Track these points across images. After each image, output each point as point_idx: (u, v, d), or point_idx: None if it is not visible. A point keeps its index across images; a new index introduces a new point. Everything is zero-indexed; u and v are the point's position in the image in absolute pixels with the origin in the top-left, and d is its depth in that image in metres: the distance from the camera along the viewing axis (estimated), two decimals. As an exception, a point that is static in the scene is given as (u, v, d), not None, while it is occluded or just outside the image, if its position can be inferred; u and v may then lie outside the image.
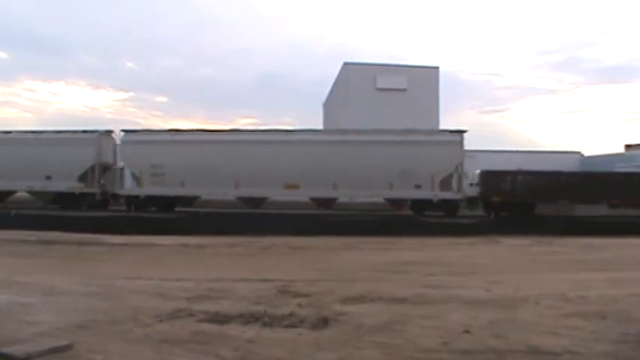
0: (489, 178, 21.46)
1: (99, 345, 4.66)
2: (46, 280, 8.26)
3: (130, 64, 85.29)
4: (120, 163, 23.26)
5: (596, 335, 5.11)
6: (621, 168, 23.98)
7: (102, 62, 78.73)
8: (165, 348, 4.66)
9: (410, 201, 21.74)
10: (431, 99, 33.63)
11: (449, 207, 20.94)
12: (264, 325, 5.51)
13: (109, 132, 24.15)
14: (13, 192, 24.08)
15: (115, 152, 23.71)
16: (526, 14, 77.79)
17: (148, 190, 22.01)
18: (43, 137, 23.51)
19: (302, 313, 5.99)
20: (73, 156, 22.49)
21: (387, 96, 32.89)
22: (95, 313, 5.95)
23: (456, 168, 20.84)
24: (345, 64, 34.86)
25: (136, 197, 22.25)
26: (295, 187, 21.02)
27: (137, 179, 22.40)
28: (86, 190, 22.87)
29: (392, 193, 21.07)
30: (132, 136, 22.76)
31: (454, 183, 20.94)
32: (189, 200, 22.96)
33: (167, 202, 22.34)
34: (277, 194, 21.75)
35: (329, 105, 42.59)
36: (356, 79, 33.72)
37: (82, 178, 22.88)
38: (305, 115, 68.04)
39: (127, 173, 22.92)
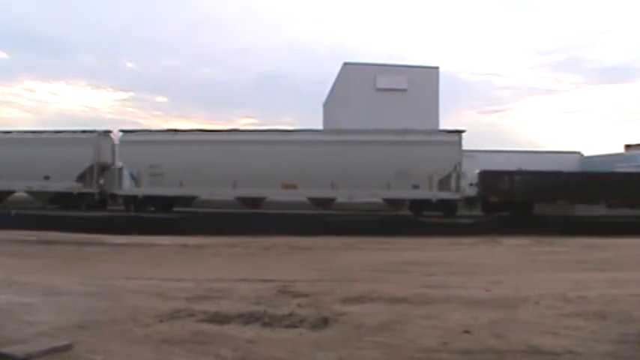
0: (487, 178, 21.47)
1: (99, 345, 4.65)
2: (46, 280, 8.26)
3: (130, 64, 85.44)
4: (118, 163, 23.26)
5: (596, 335, 5.11)
6: (621, 168, 23.97)
7: (102, 62, 78.90)
8: (165, 348, 4.65)
9: (408, 201, 21.74)
10: (431, 99, 33.63)
11: (447, 207, 20.93)
12: (264, 325, 5.51)
13: (108, 132, 24.14)
14: (11, 192, 24.08)
15: (113, 152, 23.69)
16: (526, 14, 77.94)
17: (146, 190, 22.02)
18: (42, 137, 23.53)
19: (302, 313, 5.99)
20: (72, 156, 22.49)
21: (387, 96, 32.89)
22: (95, 313, 5.95)
23: (455, 168, 20.84)
24: (345, 64, 34.85)
25: (134, 197, 22.27)
26: (293, 187, 21.03)
27: (135, 179, 22.41)
28: (84, 190, 22.86)
29: (390, 193, 21.08)
30: (130, 136, 22.76)
31: (452, 183, 20.93)
32: (188, 200, 22.96)
33: (165, 202, 22.33)
34: (275, 194, 21.75)
35: (329, 105, 42.59)
36: (356, 79, 33.72)
37: (81, 178, 22.89)
38: (305, 115, 68.16)
39: (126, 173, 22.93)
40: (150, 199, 22.09)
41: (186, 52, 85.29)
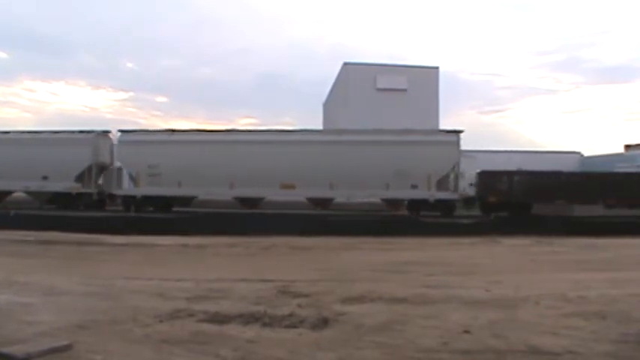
0: (486, 178, 21.48)
1: (99, 345, 4.65)
2: (46, 280, 8.26)
3: (130, 64, 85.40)
4: (117, 163, 23.26)
5: (596, 335, 5.11)
6: (621, 168, 23.96)
7: (102, 62, 78.86)
8: (165, 348, 4.65)
9: (407, 201, 21.73)
10: (431, 99, 33.61)
11: (445, 207, 20.91)
12: (264, 325, 5.51)
13: (106, 132, 24.10)
14: (10, 192, 24.10)
15: (111, 152, 23.67)
16: (526, 14, 77.93)
17: (144, 190, 22.01)
18: (40, 137, 23.52)
19: (302, 314, 5.99)
20: (70, 156, 22.47)
21: (387, 96, 32.88)
22: (95, 313, 5.94)
23: (453, 168, 20.82)
24: (345, 64, 34.84)
25: (133, 197, 22.26)
26: (291, 187, 21.03)
27: (134, 179, 22.41)
28: (83, 191, 22.85)
29: (388, 193, 21.07)
30: (128, 136, 22.74)
31: (450, 183, 20.93)
32: (186, 200, 22.92)
33: (164, 203, 22.31)
34: (273, 194, 21.74)
35: (329, 105, 42.59)
36: (356, 79, 33.70)
37: (79, 178, 22.86)
38: (305, 115, 68.13)
39: (125, 173, 22.94)
40: (148, 199, 22.09)
41: (186, 52, 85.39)
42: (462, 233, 18.05)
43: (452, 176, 20.90)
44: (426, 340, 4.96)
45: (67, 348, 4.46)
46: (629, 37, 72.70)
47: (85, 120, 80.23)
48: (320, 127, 38.13)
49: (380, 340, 4.97)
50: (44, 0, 72.83)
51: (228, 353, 4.52)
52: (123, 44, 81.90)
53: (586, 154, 30.11)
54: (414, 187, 20.65)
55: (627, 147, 28.39)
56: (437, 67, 34.90)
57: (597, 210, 21.11)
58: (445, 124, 31.85)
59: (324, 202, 22.00)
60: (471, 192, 21.77)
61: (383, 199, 22.00)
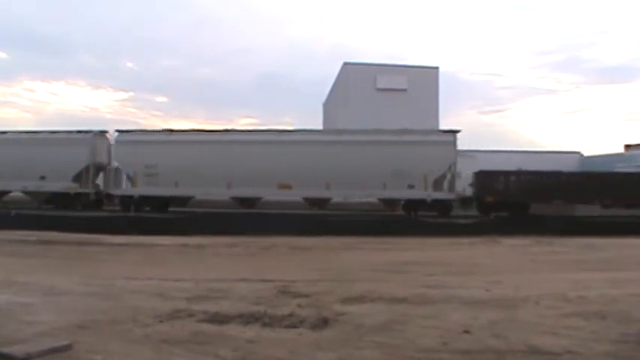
0: (483, 178, 21.49)
1: (99, 345, 4.65)
2: (46, 280, 8.25)
3: (130, 64, 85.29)
4: (114, 163, 23.27)
5: (596, 335, 5.11)
6: (621, 168, 23.96)
7: (102, 62, 78.75)
8: (165, 348, 4.65)
9: (403, 201, 21.73)
10: (431, 99, 33.63)
11: (442, 207, 20.91)
12: (264, 325, 5.51)
13: (104, 132, 24.10)
14: (7, 192, 24.12)
15: (109, 152, 23.66)
16: (526, 14, 77.88)
17: (141, 190, 22.01)
18: (38, 137, 23.54)
19: (302, 314, 5.99)
20: (68, 156, 22.48)
21: (386, 96, 32.90)
22: (95, 313, 5.94)
23: (449, 168, 20.83)
24: (345, 64, 34.85)
25: (130, 197, 22.26)
26: (288, 187, 21.02)
27: (131, 179, 22.40)
28: (80, 190, 22.86)
29: (385, 193, 21.06)
30: (126, 136, 22.74)
31: (447, 183, 20.95)
32: (183, 200, 22.92)
33: (161, 203, 22.30)
34: (270, 194, 21.73)
35: (329, 105, 42.60)
36: (356, 79, 33.72)
37: (77, 178, 22.88)
38: (305, 115, 67.95)
39: (123, 173, 22.94)
40: (145, 199, 22.09)
41: (186, 52, 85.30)
42: (461, 233, 18.05)
43: (448, 176, 20.91)
44: (426, 340, 4.96)
45: (67, 348, 4.46)
46: (629, 37, 72.81)
47: (85, 120, 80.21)
48: (320, 127, 38.15)
49: (380, 340, 4.97)
50: (44, 0, 72.91)
51: (228, 353, 4.52)
52: (123, 44, 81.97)
53: (586, 154, 30.11)
54: (410, 187, 20.65)
55: (627, 147, 28.40)
56: (437, 67, 34.99)
57: (595, 210, 21.12)
58: (445, 124, 31.91)
59: (320, 202, 22.00)
60: (469, 192, 21.76)
61: (380, 199, 22.00)
